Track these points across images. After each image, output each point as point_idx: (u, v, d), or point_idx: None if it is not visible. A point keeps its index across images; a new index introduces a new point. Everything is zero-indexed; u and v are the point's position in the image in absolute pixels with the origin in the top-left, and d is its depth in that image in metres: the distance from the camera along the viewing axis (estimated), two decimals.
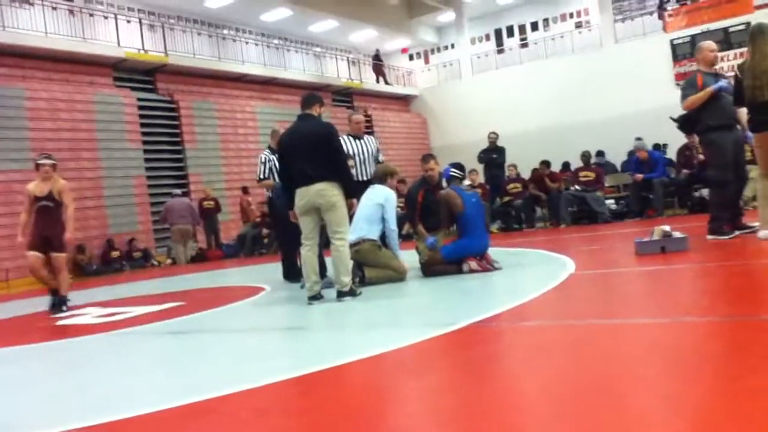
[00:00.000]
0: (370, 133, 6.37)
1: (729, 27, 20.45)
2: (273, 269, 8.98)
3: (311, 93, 5.87)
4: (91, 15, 16.86)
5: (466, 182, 6.52)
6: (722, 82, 6.09)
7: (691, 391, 2.15)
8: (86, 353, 4.56)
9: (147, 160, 16.67)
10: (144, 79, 17.78)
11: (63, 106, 14.97)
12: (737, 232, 6.13)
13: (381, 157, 7.53)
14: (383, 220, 6.25)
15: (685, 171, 10.76)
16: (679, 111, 6.43)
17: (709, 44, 6.43)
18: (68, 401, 3.15)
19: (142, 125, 16.64)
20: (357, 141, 7.16)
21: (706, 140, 6.27)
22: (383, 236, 6.42)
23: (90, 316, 6.49)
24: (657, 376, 2.38)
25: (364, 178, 7.05)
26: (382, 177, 6.59)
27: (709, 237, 6.13)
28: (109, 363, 4.09)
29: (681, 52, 21.67)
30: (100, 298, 8.32)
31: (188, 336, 4.73)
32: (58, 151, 14.53)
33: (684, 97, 6.21)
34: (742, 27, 18.91)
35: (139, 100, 16.79)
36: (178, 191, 16.22)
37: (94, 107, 15.53)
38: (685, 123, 6.29)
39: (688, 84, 6.28)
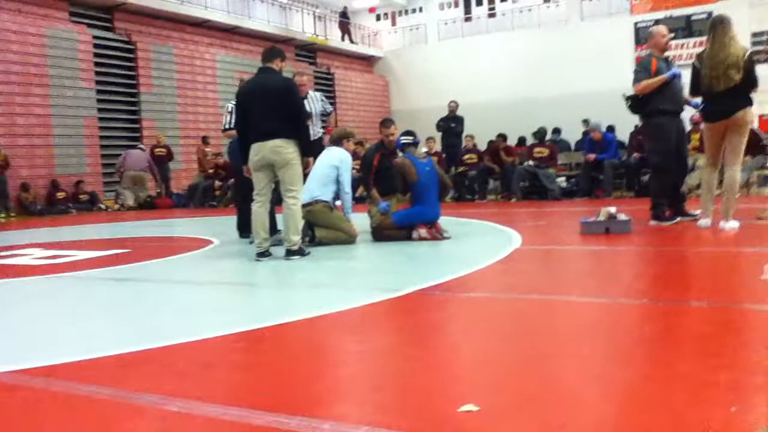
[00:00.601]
0: (326, 92, 6.23)
1: (691, 15, 20.78)
2: (222, 222, 8.93)
3: (273, 46, 5.77)
4: None
5: (423, 149, 6.52)
6: (676, 70, 6.23)
7: (621, 374, 2.24)
8: (22, 295, 4.48)
9: (100, 101, 16.20)
10: (102, 16, 17.15)
11: (14, 38, 14.38)
12: (679, 219, 6.33)
13: (329, 108, 7.48)
14: (337, 182, 6.25)
15: (635, 155, 10.98)
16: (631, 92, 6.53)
17: (662, 29, 6.51)
18: (1, 342, 3.11)
19: (97, 65, 16.12)
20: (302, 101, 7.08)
21: (651, 123, 6.38)
22: (336, 198, 6.42)
23: (30, 257, 6.36)
24: (589, 356, 2.47)
25: (312, 138, 7.00)
26: (337, 139, 6.57)
27: (652, 222, 6.31)
28: (45, 306, 4.04)
29: (644, 35, 21.89)
30: (42, 240, 8.14)
31: (131, 284, 4.69)
32: (6, 85, 14.08)
33: (637, 79, 6.30)
34: (704, 16, 19.22)
35: (95, 38, 16.23)
36: (139, 146, 15.83)
37: (48, 42, 14.96)
38: (635, 103, 6.40)
39: (641, 67, 6.37)
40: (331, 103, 7.35)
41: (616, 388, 2.09)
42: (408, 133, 6.48)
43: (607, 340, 2.69)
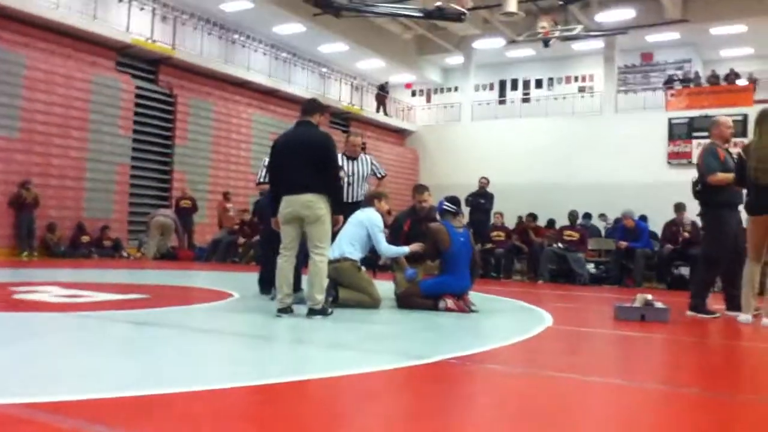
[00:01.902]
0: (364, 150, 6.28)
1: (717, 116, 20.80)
2: (244, 278, 8.81)
3: (314, 99, 5.71)
4: None
5: (464, 220, 6.38)
6: None
7: None
8: (37, 330, 4.35)
9: (134, 149, 16.38)
10: (147, 68, 17.58)
11: (61, 81, 14.71)
12: (719, 314, 6.05)
13: (383, 171, 7.40)
14: (369, 243, 6.12)
15: (668, 246, 10.76)
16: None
17: (727, 120, 6.40)
18: (11, 375, 2.95)
19: (137, 114, 16.39)
20: (351, 161, 7.05)
21: (711, 215, 6.18)
22: (363, 260, 6.28)
23: (49, 294, 6.25)
24: None
25: (353, 200, 6.93)
26: (369, 199, 6.48)
27: (689, 313, 6.06)
28: (60, 342, 3.90)
29: (677, 132, 22.00)
30: (63, 279, 8.06)
31: (148, 328, 4.54)
32: (47, 125, 14.35)
33: (710, 168, 6.05)
34: (739, 118, 19.18)
35: (138, 88, 16.58)
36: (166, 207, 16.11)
37: (92, 87, 15.28)
38: (703, 190, 6.18)
39: (709, 154, 6.14)
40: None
41: None
42: (453, 200, 6.29)
43: (644, 425, 2.47)
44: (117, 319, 4.87)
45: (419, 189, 6.89)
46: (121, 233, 15.76)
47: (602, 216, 17.00)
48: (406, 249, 6.27)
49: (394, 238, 6.76)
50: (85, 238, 14.60)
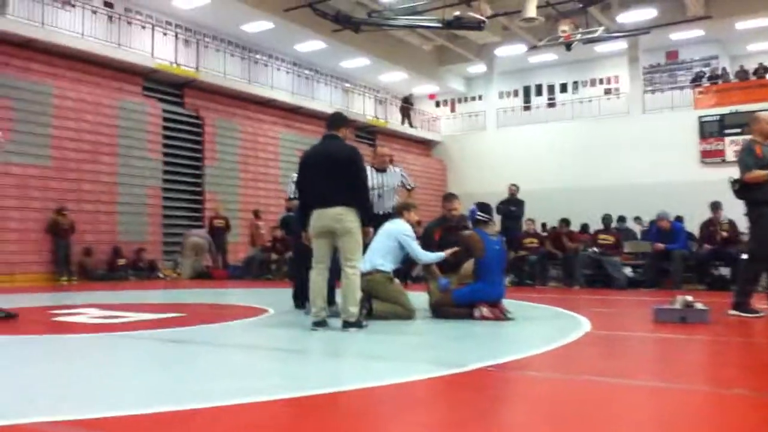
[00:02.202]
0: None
1: (757, 111, 20.43)
2: (278, 293, 8.83)
3: (339, 113, 5.70)
4: (129, 23, 17.04)
5: (496, 227, 6.30)
6: None
7: None
8: (75, 350, 4.40)
9: (165, 172, 16.62)
10: (172, 92, 17.86)
11: (89, 108, 15.00)
12: (762, 313, 5.89)
13: (412, 183, 7.36)
14: (400, 254, 6.09)
15: (706, 246, 10.54)
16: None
17: (767, 115, 6.25)
18: (47, 393, 2.99)
19: (165, 137, 16.65)
20: (380, 173, 7.03)
21: (756, 213, 6.04)
22: (396, 271, 6.25)
23: (88, 316, 6.34)
24: None
25: (383, 212, 6.91)
26: (398, 210, 6.45)
27: (732, 312, 5.92)
28: (97, 361, 3.94)
29: (708, 129, 21.66)
30: (100, 301, 8.16)
31: (184, 345, 4.56)
32: (77, 152, 14.62)
33: (746, 165, 5.95)
34: None
35: (165, 111, 16.83)
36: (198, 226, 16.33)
37: (120, 113, 15.56)
38: (742, 188, 6.06)
39: (747, 152, 6.04)
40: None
41: None
42: (483, 207, 6.22)
43: (692, 428, 2.39)
44: (153, 337, 4.90)
45: (448, 198, 6.85)
46: (156, 254, 15.95)
47: (637, 219, 16.75)
48: (442, 254, 6.22)
49: (425, 248, 6.71)
50: (121, 261, 14.81)
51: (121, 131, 15.53)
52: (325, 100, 22.51)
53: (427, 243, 6.71)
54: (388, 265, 6.03)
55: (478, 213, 6.09)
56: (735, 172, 6.19)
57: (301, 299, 6.60)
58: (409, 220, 6.31)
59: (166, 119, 16.75)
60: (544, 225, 12.76)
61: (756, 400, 2.89)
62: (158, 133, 16.45)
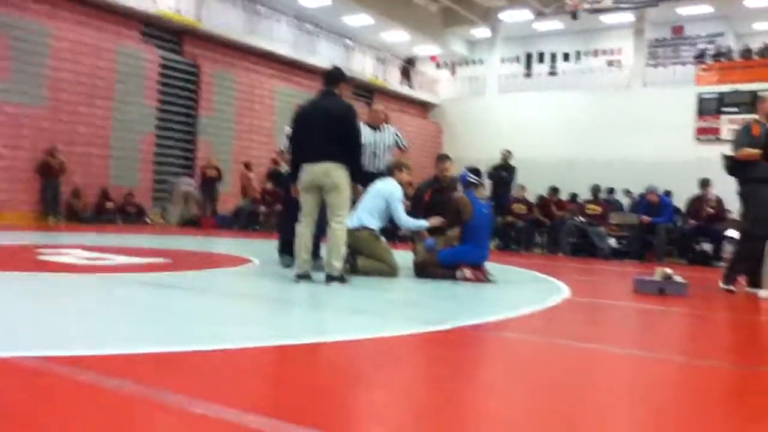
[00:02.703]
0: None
1: (758, 91, 20.37)
2: (265, 245, 8.88)
3: (337, 68, 5.66)
4: None
5: (486, 192, 6.34)
6: None
7: (678, 430, 2.04)
8: (60, 289, 4.45)
9: (159, 119, 16.51)
10: (171, 39, 17.62)
11: (86, 51, 14.81)
12: (748, 290, 6.00)
13: (405, 143, 7.39)
14: (388, 214, 6.13)
15: (692, 222, 10.64)
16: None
17: None
18: (33, 330, 3.04)
19: (161, 84, 16.49)
20: (374, 131, 7.04)
21: (746, 190, 6.10)
22: (383, 230, 6.30)
23: (74, 256, 6.37)
24: (640, 409, 2.27)
25: (376, 170, 6.93)
26: (390, 169, 6.47)
27: (722, 285, 6.03)
28: (81, 301, 3.99)
29: (707, 107, 21.61)
30: (87, 243, 8.19)
31: (168, 290, 4.62)
32: (73, 94, 14.49)
33: (739, 143, 6.03)
34: None
35: (163, 59, 16.64)
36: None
37: (117, 58, 15.38)
38: (733, 165, 6.12)
39: (744, 131, 6.10)
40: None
41: None
42: (475, 172, 6.25)
43: (662, 395, 2.47)
44: (138, 281, 4.95)
45: (441, 158, 6.88)
46: (146, 200, 15.95)
47: (627, 192, 16.83)
48: (425, 222, 6.27)
49: (415, 208, 6.76)
50: (109, 205, 14.81)
51: (117, 76, 15.37)
52: (325, 56, 22.25)
53: (417, 203, 6.75)
54: (376, 223, 6.07)
55: (469, 176, 6.12)
56: (729, 150, 6.24)
57: (285, 251, 6.58)
58: (401, 180, 6.33)
59: (163, 66, 16.57)
60: (542, 197, 12.79)
61: (727, 371, 2.97)
62: (155, 80, 16.28)
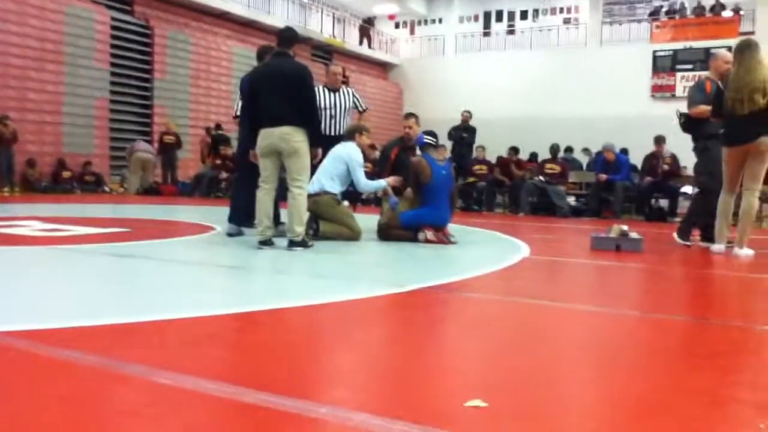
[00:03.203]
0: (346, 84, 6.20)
1: (711, 48, 20.67)
2: (226, 212, 8.78)
3: (290, 28, 5.55)
4: None
5: (446, 153, 6.38)
6: None
7: (634, 384, 2.12)
8: (16, 262, 4.37)
9: (113, 83, 16.12)
10: None
11: (33, 12, 14.32)
12: (701, 244, 6.19)
13: (365, 105, 7.39)
14: (349, 177, 6.13)
15: (648, 179, 10.86)
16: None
17: (727, 55, 6.32)
18: None
19: (113, 47, 16.06)
20: (332, 93, 6.99)
21: (701, 146, 6.25)
22: (347, 194, 6.31)
23: (30, 228, 6.26)
24: (598, 364, 2.35)
25: (335, 133, 6.90)
26: (350, 133, 6.45)
27: (677, 239, 6.20)
28: (38, 274, 3.93)
29: (661, 64, 21.90)
30: (43, 214, 8.03)
31: (128, 260, 4.58)
32: (22, 59, 14.03)
33: (693, 100, 6.18)
34: (723, 49, 19.02)
35: (113, 19, 16.18)
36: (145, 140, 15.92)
37: (66, 19, 14.91)
38: (688, 122, 6.26)
39: (697, 88, 6.26)
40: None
41: (629, 397, 1.96)
42: (431, 133, 6.34)
43: (617, 349, 2.56)
44: (97, 251, 4.89)
45: (407, 116, 6.90)
46: (103, 168, 15.66)
47: (586, 150, 17.05)
48: (383, 183, 6.31)
49: (381, 166, 6.79)
50: (66, 174, 14.50)
51: (67, 38, 14.92)
52: (281, 15, 21.86)
53: (383, 162, 6.78)
54: (336, 187, 6.07)
55: (425, 137, 6.16)
56: (683, 107, 6.37)
57: (233, 218, 6.25)
58: (361, 144, 6.32)
59: (114, 27, 16.13)
60: (516, 150, 12.87)
61: (677, 323, 3.08)
62: (106, 42, 15.85)
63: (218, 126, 15.76)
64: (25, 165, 13.93)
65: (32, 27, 14.28)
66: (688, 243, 6.17)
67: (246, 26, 20.56)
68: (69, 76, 14.97)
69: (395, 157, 6.59)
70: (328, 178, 6.05)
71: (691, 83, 6.64)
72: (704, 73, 6.61)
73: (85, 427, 1.60)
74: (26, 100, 14.19)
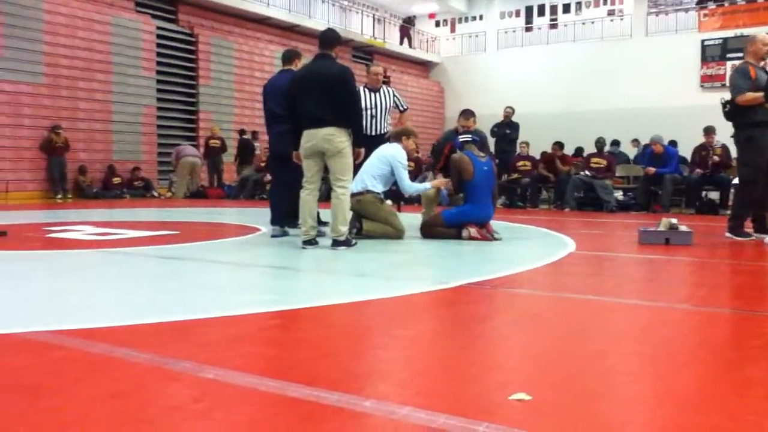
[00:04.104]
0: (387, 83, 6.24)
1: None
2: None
3: (332, 30, 5.60)
4: None
5: (484, 151, 6.37)
6: None
7: (685, 376, 2.07)
8: (69, 265, 4.50)
9: (159, 91, 16.46)
10: (166, 8, 17.48)
11: (81, 24, 14.72)
12: (755, 236, 6.00)
13: (404, 105, 7.43)
14: (392, 178, 6.15)
15: (698, 171, 10.59)
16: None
17: (765, 37, 6.13)
18: (44, 305, 3.09)
19: (159, 55, 16.39)
20: (373, 93, 7.03)
21: (744, 136, 6.02)
22: (387, 193, 6.33)
23: (83, 233, 6.44)
24: (648, 357, 2.30)
25: (376, 133, 6.93)
26: (396, 136, 6.48)
27: (727, 234, 6.04)
28: (90, 276, 4.04)
29: (710, 53, 21.34)
30: (95, 219, 8.25)
31: (176, 261, 4.67)
32: (71, 69, 14.43)
33: (737, 87, 5.93)
34: None
35: (159, 28, 16.52)
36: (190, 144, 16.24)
37: (112, 30, 15.28)
38: (733, 110, 6.04)
39: (740, 74, 6.00)
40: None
41: (679, 390, 1.92)
42: (467, 132, 6.36)
43: (667, 342, 2.50)
44: (147, 254, 5.00)
45: (465, 113, 6.92)
46: (151, 174, 16.01)
47: (635, 141, 16.72)
48: (428, 185, 6.33)
49: (434, 160, 6.84)
50: (116, 180, 14.88)
51: (114, 48, 15.29)
52: (322, 18, 22.03)
53: (436, 156, 6.82)
54: (380, 186, 6.09)
55: (462, 137, 6.14)
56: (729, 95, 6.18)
57: (279, 219, 6.26)
58: (407, 148, 6.34)
59: (159, 36, 16.46)
60: (560, 145, 12.70)
61: (728, 317, 3.01)
62: (152, 51, 16.20)
63: (242, 131, 16.16)
64: (76, 172, 14.34)
65: (80, 39, 14.67)
66: (745, 237, 5.97)
67: (287, 30, 20.77)
68: (117, 85, 15.35)
69: (449, 152, 6.64)
70: (371, 178, 6.07)
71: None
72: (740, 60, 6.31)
73: (135, 422, 1.64)
74: (77, 109, 14.59)
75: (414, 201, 10.90)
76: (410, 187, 6.31)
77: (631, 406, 1.79)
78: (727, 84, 6.23)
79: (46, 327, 2.56)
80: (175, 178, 15.54)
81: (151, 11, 16.88)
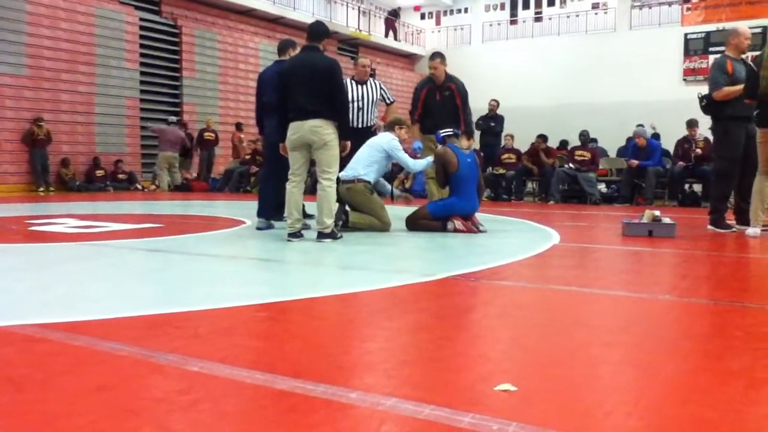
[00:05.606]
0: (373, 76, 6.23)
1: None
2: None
3: (320, 23, 5.58)
4: None
5: (465, 143, 6.39)
6: None
7: (668, 365, 2.10)
8: (53, 258, 4.47)
9: (143, 83, 16.32)
10: None
11: (64, 15, 14.55)
12: (736, 228, 6.06)
13: (392, 97, 7.45)
14: (385, 166, 6.24)
15: (680, 163, 10.68)
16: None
17: (746, 31, 6.16)
18: (27, 298, 3.07)
19: (142, 47, 16.24)
20: (360, 86, 7.03)
21: (720, 129, 6.09)
22: (374, 190, 6.35)
23: (65, 226, 6.39)
24: (632, 347, 2.33)
25: (363, 125, 6.93)
26: (389, 125, 6.50)
27: (709, 227, 6.10)
28: (74, 269, 4.00)
29: (693, 47, 21.49)
30: (78, 212, 8.19)
31: (161, 254, 4.65)
32: (54, 61, 14.27)
33: (715, 82, 5.98)
34: (758, 30, 18.62)
35: (142, 20, 16.36)
36: (174, 119, 15.99)
37: (96, 21, 15.12)
38: (710, 104, 6.09)
39: (717, 69, 6.03)
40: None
41: (663, 380, 1.94)
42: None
43: (651, 333, 2.53)
44: (131, 246, 4.97)
45: (432, 56, 7.05)
46: (135, 166, 15.89)
47: (639, 126, 16.67)
48: (430, 159, 6.37)
49: (412, 107, 7.15)
50: (99, 173, 14.75)
51: (97, 40, 15.13)
52: (307, 10, 21.91)
53: (414, 102, 7.15)
54: (371, 176, 6.10)
55: (443, 131, 6.15)
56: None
57: (267, 212, 6.30)
58: (400, 137, 6.37)
59: (143, 28, 16.30)
60: (544, 138, 12.74)
61: (712, 307, 3.04)
62: (135, 42, 16.04)
63: (239, 125, 16.16)
64: (59, 165, 14.19)
65: (63, 30, 14.51)
66: (727, 229, 6.03)
67: (272, 22, 20.65)
68: (100, 77, 15.19)
69: (425, 97, 6.76)
70: (364, 166, 6.09)
71: None
72: (704, 64, 6.35)
73: (121, 414, 1.63)
74: (59, 101, 14.44)
75: (401, 198, 10.89)
76: (415, 165, 6.44)
77: (615, 395, 1.82)
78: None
79: (30, 320, 2.54)
80: (158, 171, 15.43)
81: (134, 2, 16.71)
